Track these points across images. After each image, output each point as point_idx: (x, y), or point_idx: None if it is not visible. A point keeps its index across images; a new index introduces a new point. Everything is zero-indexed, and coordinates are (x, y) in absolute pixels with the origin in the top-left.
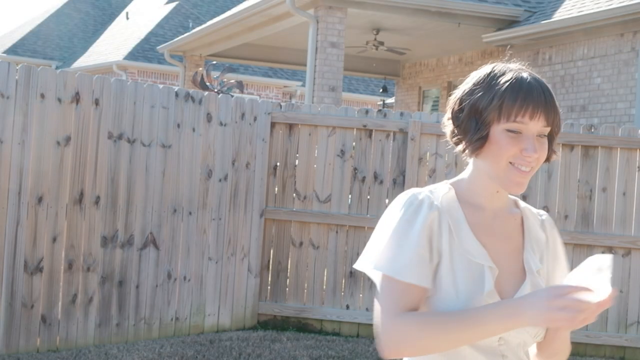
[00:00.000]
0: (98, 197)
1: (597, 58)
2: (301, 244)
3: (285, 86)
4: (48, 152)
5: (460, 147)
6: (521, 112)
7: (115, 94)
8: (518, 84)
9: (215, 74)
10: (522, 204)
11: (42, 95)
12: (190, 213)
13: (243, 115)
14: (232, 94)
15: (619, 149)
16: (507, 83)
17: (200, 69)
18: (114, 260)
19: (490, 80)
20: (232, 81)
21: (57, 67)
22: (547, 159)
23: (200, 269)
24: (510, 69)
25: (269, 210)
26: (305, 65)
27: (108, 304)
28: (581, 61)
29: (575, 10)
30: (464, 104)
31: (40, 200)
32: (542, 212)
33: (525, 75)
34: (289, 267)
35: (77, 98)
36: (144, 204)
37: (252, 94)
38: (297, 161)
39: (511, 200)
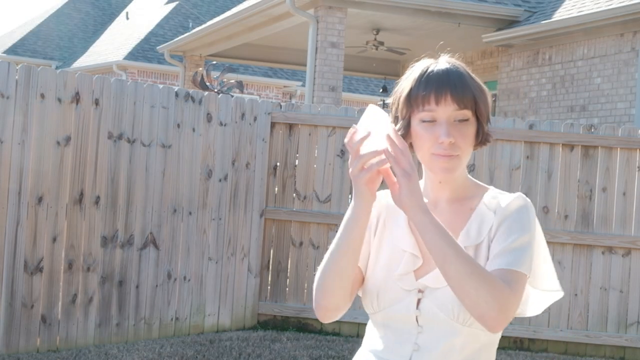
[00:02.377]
0: (98, 197)
1: (597, 58)
2: (301, 244)
3: (285, 86)
4: (48, 152)
5: None
6: (426, 99)
7: (115, 94)
8: (422, 73)
9: (215, 74)
10: (489, 194)
11: (42, 95)
12: (190, 213)
13: (243, 115)
14: (232, 94)
15: (619, 149)
16: (414, 74)
17: (200, 69)
18: (114, 260)
19: (407, 75)
20: (232, 81)
21: (57, 67)
22: (483, 143)
23: (200, 269)
24: (429, 62)
25: (269, 210)
26: (305, 65)
27: (108, 304)
28: (581, 61)
29: (575, 10)
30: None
31: (40, 200)
32: (511, 195)
33: (435, 65)
34: (289, 267)
35: (77, 98)
36: (144, 204)
37: (252, 94)
38: (297, 161)
39: (475, 190)
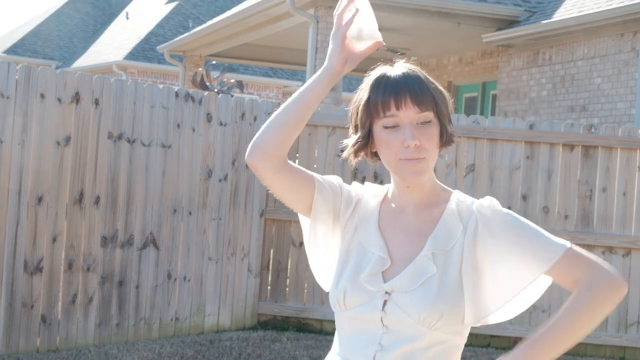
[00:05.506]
0: (98, 197)
1: (597, 58)
2: (301, 244)
3: (285, 86)
4: (48, 152)
5: (348, 151)
6: (386, 105)
7: (115, 94)
8: (379, 79)
9: (215, 74)
10: (455, 198)
11: (42, 95)
12: (190, 213)
13: (243, 115)
14: (232, 93)
15: (619, 149)
16: (371, 82)
17: (200, 69)
18: (114, 260)
19: (364, 84)
20: (232, 81)
21: (57, 67)
22: (447, 144)
23: (200, 269)
24: (385, 68)
25: (269, 210)
26: (305, 65)
27: (108, 304)
28: (581, 61)
29: (575, 10)
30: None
31: (40, 200)
32: (478, 202)
33: (391, 70)
34: (289, 267)
35: (77, 98)
36: (144, 204)
37: (252, 94)
38: (297, 161)
39: (443, 195)
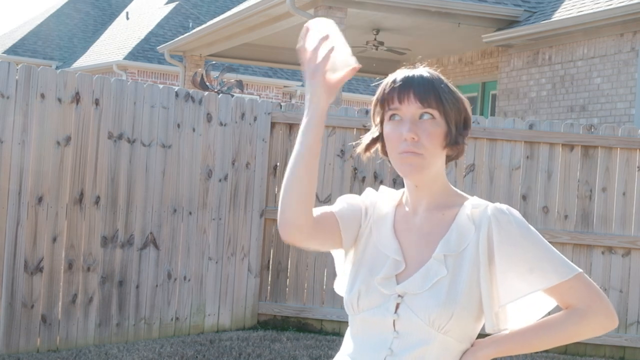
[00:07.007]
0: (98, 197)
1: (597, 58)
2: None
3: (285, 86)
4: (48, 152)
5: (361, 146)
6: (391, 98)
7: (115, 94)
8: (391, 78)
9: (215, 73)
10: (470, 202)
11: (42, 95)
12: (190, 213)
13: (243, 115)
14: (232, 93)
15: (618, 149)
16: (384, 81)
17: (200, 69)
18: (114, 260)
19: (383, 83)
20: (232, 81)
21: (57, 67)
22: (451, 145)
23: (200, 269)
24: (403, 71)
25: (269, 210)
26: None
27: (108, 304)
28: (581, 61)
29: (575, 10)
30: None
31: (40, 200)
32: (493, 205)
33: (408, 72)
34: (289, 267)
35: (77, 98)
36: (144, 204)
37: (252, 94)
38: None
39: (457, 199)
